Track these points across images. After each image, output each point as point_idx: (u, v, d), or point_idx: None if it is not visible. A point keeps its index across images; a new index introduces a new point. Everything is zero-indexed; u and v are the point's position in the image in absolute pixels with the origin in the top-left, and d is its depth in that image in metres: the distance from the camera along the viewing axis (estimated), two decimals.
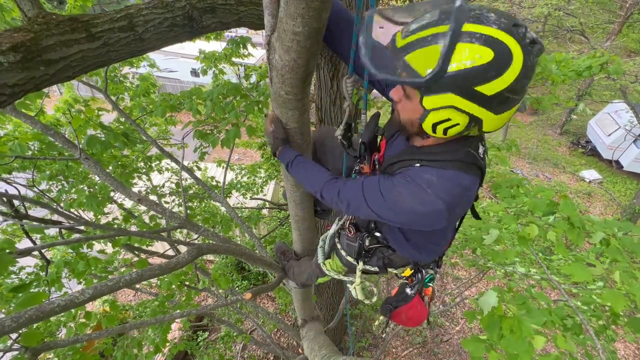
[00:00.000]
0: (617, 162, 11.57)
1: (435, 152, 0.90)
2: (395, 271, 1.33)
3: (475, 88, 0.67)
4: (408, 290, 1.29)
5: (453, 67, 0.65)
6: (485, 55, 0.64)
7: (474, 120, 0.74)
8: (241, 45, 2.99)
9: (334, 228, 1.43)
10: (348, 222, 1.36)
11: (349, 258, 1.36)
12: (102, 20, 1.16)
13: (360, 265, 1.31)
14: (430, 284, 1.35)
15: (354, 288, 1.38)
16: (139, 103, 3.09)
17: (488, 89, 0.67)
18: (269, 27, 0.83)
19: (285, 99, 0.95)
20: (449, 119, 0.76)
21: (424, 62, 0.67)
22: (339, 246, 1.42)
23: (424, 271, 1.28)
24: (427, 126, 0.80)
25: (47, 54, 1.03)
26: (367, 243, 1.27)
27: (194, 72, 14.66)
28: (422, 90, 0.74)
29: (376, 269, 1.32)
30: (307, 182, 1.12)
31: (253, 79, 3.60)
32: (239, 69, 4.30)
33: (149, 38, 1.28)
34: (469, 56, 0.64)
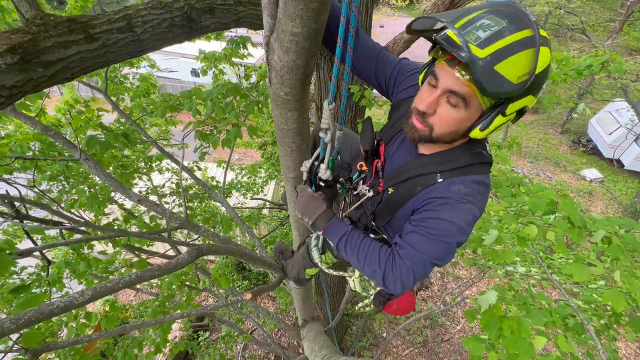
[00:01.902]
0: (618, 161, 11.55)
1: (452, 159, 0.89)
2: None
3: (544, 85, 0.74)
4: None
5: (537, 70, 0.70)
6: (549, 53, 0.71)
7: (522, 112, 0.80)
8: (241, 45, 2.99)
9: None
10: (342, 214, 1.30)
11: None
12: (100, 22, 1.15)
13: None
14: None
15: (353, 281, 1.37)
16: (139, 103, 3.09)
17: None
18: (268, 27, 0.83)
19: (284, 100, 0.95)
20: (509, 119, 0.79)
21: (514, 69, 0.68)
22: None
23: None
24: (481, 132, 0.80)
25: (45, 56, 1.03)
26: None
27: (194, 72, 14.66)
28: (511, 98, 0.74)
29: None
30: (363, 261, 0.94)
31: (253, 79, 3.60)
32: (239, 69, 4.31)
33: (147, 39, 1.27)
34: (544, 58, 0.70)
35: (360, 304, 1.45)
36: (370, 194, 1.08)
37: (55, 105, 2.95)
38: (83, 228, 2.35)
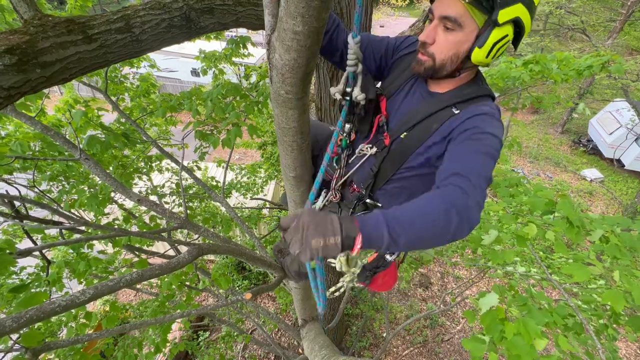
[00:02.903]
0: (619, 161, 11.55)
1: (466, 93, 0.93)
2: None
3: None
4: (388, 256, 1.24)
5: None
6: None
7: (519, 32, 0.84)
8: (241, 45, 2.99)
9: (320, 201, 1.30)
10: (335, 184, 1.25)
11: None
12: (99, 22, 1.16)
13: None
14: None
15: (339, 260, 1.23)
16: (139, 103, 3.09)
17: None
18: (269, 26, 0.83)
19: (285, 99, 0.95)
20: (506, 35, 0.83)
21: None
22: None
23: None
24: (483, 51, 0.84)
25: (43, 56, 1.03)
26: (358, 210, 1.15)
27: (194, 72, 14.67)
28: (499, 4, 0.78)
29: None
30: (429, 222, 0.69)
31: (253, 78, 3.61)
32: (239, 69, 4.31)
33: (146, 39, 1.27)
34: None
35: (332, 288, 1.27)
36: (374, 150, 1.08)
37: (55, 105, 2.96)
38: (83, 228, 2.36)
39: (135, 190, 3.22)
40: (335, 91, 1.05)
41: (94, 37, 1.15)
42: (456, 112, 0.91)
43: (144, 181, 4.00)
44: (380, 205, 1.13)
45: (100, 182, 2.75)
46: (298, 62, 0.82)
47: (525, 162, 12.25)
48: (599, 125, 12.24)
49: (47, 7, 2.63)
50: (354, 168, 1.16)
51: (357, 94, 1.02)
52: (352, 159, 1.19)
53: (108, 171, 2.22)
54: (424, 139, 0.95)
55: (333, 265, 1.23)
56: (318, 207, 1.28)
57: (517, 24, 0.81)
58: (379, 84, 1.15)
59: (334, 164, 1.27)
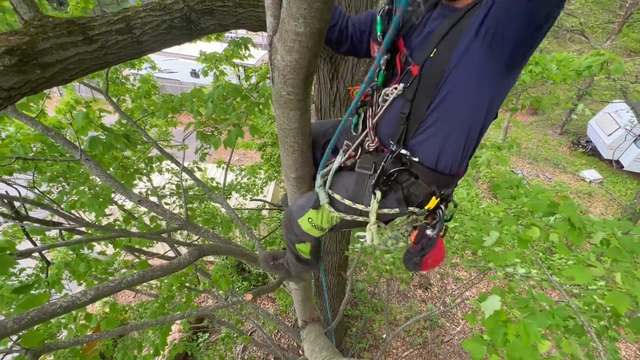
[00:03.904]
0: (618, 162, 11.58)
1: None
2: (415, 209, 1.09)
3: None
4: (429, 232, 1.11)
5: None
6: None
7: None
8: (242, 46, 2.99)
9: (339, 159, 1.16)
10: (370, 143, 1.11)
11: (356, 205, 1.10)
12: (99, 23, 1.16)
13: (379, 196, 1.04)
14: (446, 224, 1.15)
15: (369, 229, 1.12)
16: (140, 105, 3.10)
17: None
18: (271, 27, 0.83)
19: (287, 100, 0.95)
20: None
21: None
22: (331, 193, 1.16)
23: (443, 207, 1.09)
24: None
25: (43, 57, 1.03)
26: (390, 166, 1.03)
27: (194, 73, 14.69)
28: None
29: (395, 209, 1.07)
30: None
31: (253, 80, 3.61)
32: (239, 70, 4.31)
33: (146, 40, 1.28)
34: None
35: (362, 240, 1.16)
36: (401, 86, 0.98)
37: (56, 106, 2.96)
38: (83, 229, 2.35)
39: (136, 191, 3.22)
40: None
41: (94, 38, 1.15)
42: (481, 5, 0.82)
43: (144, 182, 4.00)
44: (416, 159, 1.01)
45: (100, 183, 2.75)
46: (300, 64, 0.82)
47: (524, 163, 12.27)
48: (597, 126, 12.27)
49: (47, 7, 2.64)
50: (376, 118, 1.06)
51: None
52: (374, 109, 1.07)
53: (109, 172, 2.22)
54: (457, 42, 0.85)
55: (362, 240, 1.18)
56: (336, 167, 1.17)
57: None
58: None
59: (352, 130, 1.15)
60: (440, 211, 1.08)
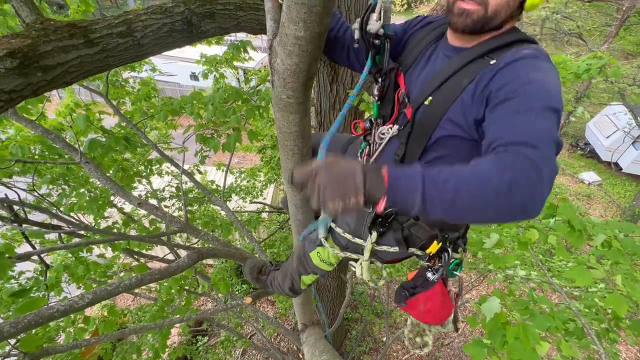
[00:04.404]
0: (616, 164, 11.60)
1: (502, 39, 0.77)
2: (416, 251, 1.04)
3: None
4: (429, 274, 1.04)
5: None
6: None
7: None
8: (242, 49, 3.00)
9: None
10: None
11: (355, 239, 1.08)
12: (101, 26, 1.16)
13: (373, 237, 1.02)
14: (457, 272, 1.06)
15: (360, 264, 1.12)
16: (140, 107, 3.10)
17: None
18: (271, 31, 0.83)
19: (286, 103, 0.95)
20: None
21: None
22: (334, 226, 1.15)
23: (449, 251, 1.01)
24: None
25: (44, 60, 1.04)
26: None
27: (194, 76, 14.71)
28: None
29: (394, 248, 1.03)
30: (480, 190, 0.57)
31: (253, 82, 3.62)
32: (238, 73, 4.32)
33: (147, 43, 1.28)
34: None
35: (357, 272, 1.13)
36: (395, 128, 0.92)
37: (55, 109, 2.96)
38: (82, 232, 2.35)
39: (135, 193, 3.21)
40: (355, 26, 0.90)
41: (95, 41, 1.15)
42: (492, 61, 0.74)
43: (144, 185, 3.99)
44: None
45: (100, 185, 2.75)
46: (300, 67, 0.83)
47: None
48: (596, 128, 12.31)
49: (47, 11, 2.64)
50: (374, 157, 1.00)
51: (372, 25, 0.84)
52: (373, 147, 1.02)
53: (108, 174, 2.22)
54: (454, 98, 0.78)
55: (354, 269, 1.17)
56: None
57: None
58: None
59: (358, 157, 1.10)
60: (445, 255, 1.00)
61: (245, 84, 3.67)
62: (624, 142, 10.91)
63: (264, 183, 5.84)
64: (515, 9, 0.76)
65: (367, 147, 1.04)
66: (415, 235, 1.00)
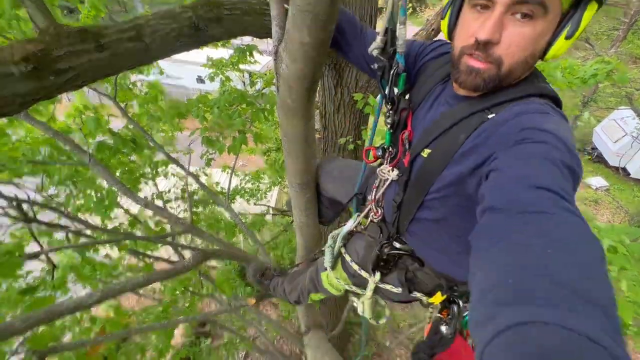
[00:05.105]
0: (624, 169, 11.45)
1: (510, 92, 0.67)
2: (421, 296, 0.97)
3: None
4: (444, 328, 0.94)
5: None
6: None
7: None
8: (248, 53, 3.04)
9: (350, 224, 1.11)
10: (373, 215, 1.00)
11: (361, 271, 1.05)
12: (111, 31, 1.19)
13: (376, 277, 1.00)
14: None
15: (362, 302, 1.09)
16: (147, 110, 3.14)
17: None
18: (277, 37, 0.85)
19: (291, 107, 0.97)
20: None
21: None
22: (343, 252, 1.12)
23: (460, 302, 0.92)
24: (570, 41, 0.61)
25: (57, 64, 1.07)
26: (385, 251, 0.96)
27: (200, 79, 14.86)
28: None
29: (398, 289, 0.98)
30: None
31: (259, 86, 3.66)
32: (243, 76, 4.37)
33: (156, 48, 1.31)
34: None
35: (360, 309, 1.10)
36: (395, 173, 0.85)
37: (66, 111, 3.01)
38: (89, 232, 2.38)
39: (141, 195, 3.25)
40: (374, 47, 0.80)
41: (106, 46, 1.18)
42: (490, 115, 0.66)
43: (150, 187, 4.04)
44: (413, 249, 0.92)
45: (107, 186, 2.79)
46: (304, 72, 0.85)
47: None
48: (603, 133, 12.18)
49: (59, 16, 2.70)
50: (375, 197, 0.96)
51: (400, 32, 0.73)
52: (377, 184, 0.96)
53: (115, 176, 2.25)
54: (451, 155, 0.70)
55: (355, 305, 1.15)
56: (346, 231, 1.10)
57: None
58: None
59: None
60: (455, 307, 0.92)
61: (251, 87, 3.71)
62: (632, 147, 10.77)
63: (268, 186, 5.87)
64: (536, 60, 0.66)
65: (375, 180, 0.97)
66: (422, 280, 0.95)
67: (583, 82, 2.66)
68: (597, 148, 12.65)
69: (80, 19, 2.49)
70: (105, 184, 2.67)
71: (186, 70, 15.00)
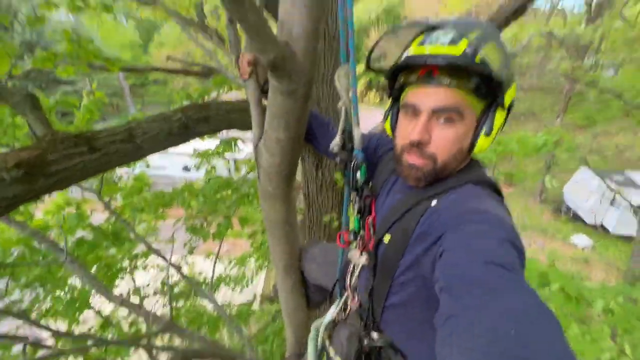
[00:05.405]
0: (602, 226, 11.81)
1: (449, 182, 0.76)
2: None
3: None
4: None
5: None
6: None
7: (510, 107, 0.74)
8: (232, 143, 3.27)
9: (331, 312, 1.04)
10: (350, 302, 0.97)
11: None
12: (104, 135, 1.29)
13: None
14: None
15: None
16: (131, 203, 3.16)
17: None
18: (257, 135, 0.97)
19: (272, 194, 1.03)
20: (505, 117, 0.73)
21: (493, 51, 0.66)
22: (328, 345, 1.04)
23: None
24: (490, 138, 0.72)
25: (49, 168, 1.12)
26: (365, 342, 0.90)
27: (186, 168, 15.34)
28: (504, 84, 0.67)
29: None
30: None
31: (243, 171, 3.83)
32: (229, 163, 4.59)
33: (147, 147, 1.41)
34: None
35: None
36: (364, 259, 0.85)
37: (44, 208, 2.97)
38: (50, 342, 2.12)
39: (117, 290, 3.02)
40: (334, 145, 0.85)
41: (98, 148, 1.27)
42: (433, 202, 0.74)
43: (127, 281, 3.78)
44: (391, 340, 0.87)
45: (80, 286, 2.60)
46: (282, 164, 0.94)
47: None
48: (572, 193, 12.89)
49: (54, 119, 2.88)
50: (349, 283, 0.94)
51: (356, 132, 0.80)
52: (351, 269, 0.94)
53: (91, 272, 2.13)
54: (407, 240, 0.75)
55: None
56: (328, 321, 1.03)
57: (511, 104, 0.73)
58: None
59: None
60: None
61: (236, 172, 3.87)
62: (601, 204, 11.34)
63: (254, 270, 5.61)
64: (466, 153, 0.76)
65: (348, 265, 0.95)
66: None
67: (536, 150, 2.97)
68: (571, 208, 13.20)
69: (74, 123, 2.67)
70: (78, 282, 2.49)
71: (172, 160, 15.56)
